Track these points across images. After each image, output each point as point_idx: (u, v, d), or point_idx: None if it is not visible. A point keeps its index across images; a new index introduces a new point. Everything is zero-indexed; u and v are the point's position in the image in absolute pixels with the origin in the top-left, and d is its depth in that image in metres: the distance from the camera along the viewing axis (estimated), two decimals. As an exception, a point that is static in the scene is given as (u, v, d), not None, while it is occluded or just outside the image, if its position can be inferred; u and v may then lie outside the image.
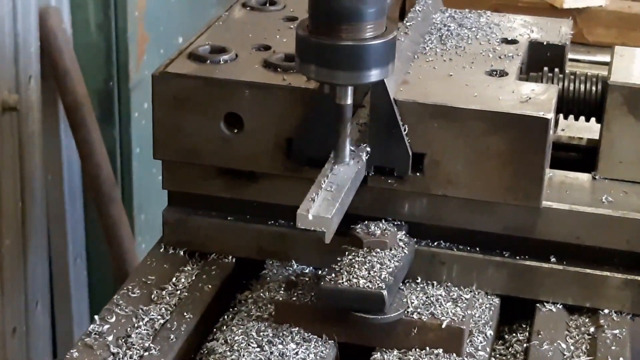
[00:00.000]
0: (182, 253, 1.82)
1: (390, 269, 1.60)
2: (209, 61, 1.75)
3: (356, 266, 1.60)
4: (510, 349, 1.71)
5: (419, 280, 1.73)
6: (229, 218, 1.80)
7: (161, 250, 1.83)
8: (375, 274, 1.58)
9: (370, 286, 1.56)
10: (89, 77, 3.00)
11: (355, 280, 1.57)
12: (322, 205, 1.50)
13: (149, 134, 3.26)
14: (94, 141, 2.98)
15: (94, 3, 3.02)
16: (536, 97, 1.66)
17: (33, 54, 2.83)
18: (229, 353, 1.55)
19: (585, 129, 1.95)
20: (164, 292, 1.71)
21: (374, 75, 1.53)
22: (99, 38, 3.05)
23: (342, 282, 1.57)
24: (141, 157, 3.24)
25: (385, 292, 1.55)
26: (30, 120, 2.87)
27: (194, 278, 1.76)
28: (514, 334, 1.74)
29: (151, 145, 3.24)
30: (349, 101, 1.56)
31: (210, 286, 1.73)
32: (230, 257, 1.81)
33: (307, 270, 1.75)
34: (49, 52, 2.88)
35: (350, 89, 1.56)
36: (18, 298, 2.93)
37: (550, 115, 1.61)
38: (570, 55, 2.02)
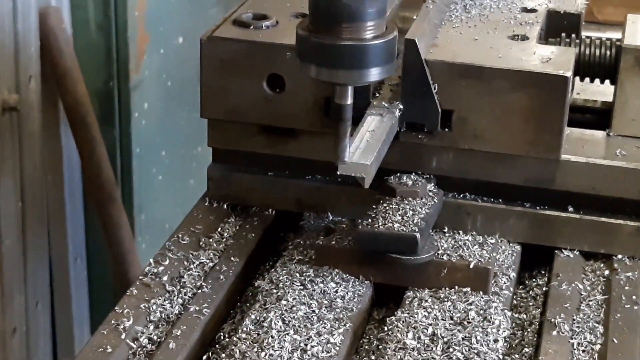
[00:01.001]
0: (225, 206, 1.95)
1: (422, 215, 1.73)
2: (252, 27, 1.88)
3: (390, 212, 1.73)
4: (530, 292, 1.84)
5: (445, 230, 1.86)
6: (269, 173, 1.93)
7: (206, 203, 1.96)
8: (408, 218, 1.72)
9: (404, 229, 1.70)
10: (89, 77, 2.99)
11: (390, 224, 1.71)
12: (362, 153, 1.64)
13: (149, 134, 3.21)
14: (94, 141, 2.99)
15: (94, 3, 3.02)
16: (556, 58, 1.79)
17: (33, 54, 2.82)
18: (274, 290, 1.69)
19: (599, 93, 2.09)
20: (211, 240, 1.85)
21: (374, 74, 1.55)
22: (99, 38, 3.06)
23: (378, 226, 1.70)
24: (141, 157, 3.24)
25: (418, 235, 1.69)
26: (30, 120, 2.86)
27: (237, 228, 1.89)
28: (534, 280, 1.88)
29: (151, 145, 3.19)
30: (349, 101, 1.59)
31: (253, 234, 1.87)
32: (270, 210, 1.94)
33: (343, 220, 1.89)
34: (49, 52, 2.88)
35: (350, 89, 1.59)
36: (18, 298, 2.94)
37: (569, 74, 1.75)
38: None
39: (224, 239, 1.86)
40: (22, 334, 3.02)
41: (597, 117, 2.05)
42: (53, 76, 2.93)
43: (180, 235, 1.85)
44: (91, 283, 3.32)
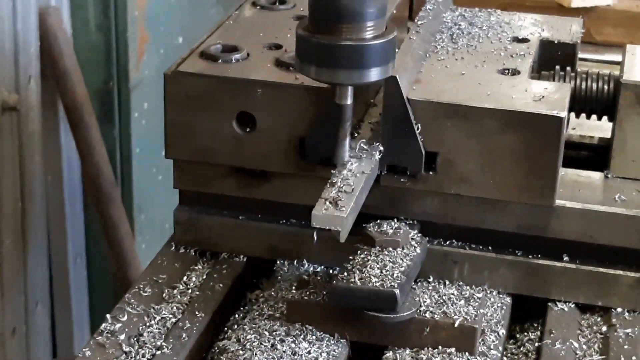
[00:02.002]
0: (193, 252, 1.82)
1: (403, 268, 1.59)
2: (220, 60, 1.75)
3: (368, 265, 1.59)
4: (522, 348, 1.71)
5: (431, 279, 1.73)
6: (240, 217, 1.80)
7: (172, 249, 1.83)
8: (388, 272, 1.58)
9: (383, 285, 1.56)
10: (89, 77, 2.99)
11: (367, 279, 1.57)
12: (337, 205, 1.50)
13: (149, 134, 3.24)
14: (94, 141, 2.97)
15: (94, 3, 3.02)
16: (549, 96, 1.65)
17: (33, 54, 2.83)
18: (241, 352, 1.55)
19: (595, 128, 1.95)
20: (175, 290, 1.71)
21: (374, 74, 1.52)
22: (99, 38, 3.05)
23: (354, 281, 1.57)
24: (141, 157, 3.23)
25: (397, 291, 1.55)
26: (30, 120, 2.86)
27: (205, 277, 1.76)
28: (526, 333, 1.74)
29: (151, 145, 3.23)
30: (349, 101, 1.56)
31: (221, 285, 1.73)
32: (241, 257, 1.81)
33: (318, 270, 1.75)
34: (49, 52, 2.88)
35: (350, 89, 1.56)
36: (18, 298, 2.93)
37: (564, 114, 1.61)
38: (579, 55, 2.01)
39: (190, 290, 1.72)
40: (22, 334, 2.99)
41: (595, 154, 1.91)
42: (53, 76, 2.93)
43: (141, 286, 1.72)
44: (91, 283, 3.29)
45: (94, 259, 3.26)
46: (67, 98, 2.93)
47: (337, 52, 1.50)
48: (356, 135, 1.68)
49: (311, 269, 1.76)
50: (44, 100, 2.91)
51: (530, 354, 1.69)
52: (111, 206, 3.03)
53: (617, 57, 1.85)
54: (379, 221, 1.69)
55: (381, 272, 1.58)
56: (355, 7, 1.48)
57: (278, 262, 1.80)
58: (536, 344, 1.69)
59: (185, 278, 1.75)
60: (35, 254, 2.99)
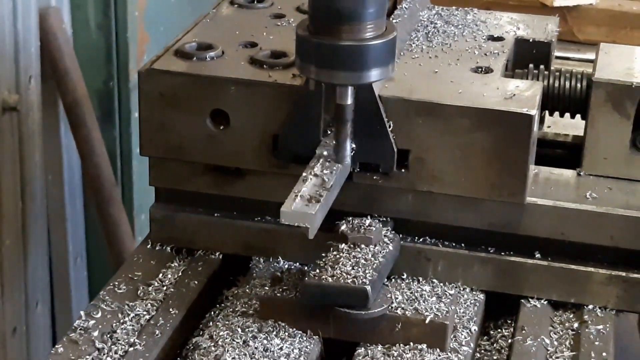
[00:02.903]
0: (169, 249, 1.83)
1: (375, 265, 1.60)
2: (195, 58, 1.75)
3: (340, 262, 1.60)
4: (495, 345, 1.72)
5: (404, 277, 1.73)
6: (215, 214, 1.81)
7: (148, 246, 1.83)
8: (359, 269, 1.59)
9: (354, 282, 1.57)
10: (89, 77, 2.98)
11: (339, 276, 1.57)
12: (306, 201, 1.51)
13: None
14: (94, 141, 2.96)
15: (94, 3, 3.01)
16: (520, 94, 1.66)
17: (33, 54, 2.82)
18: (213, 348, 1.56)
19: (570, 126, 1.96)
20: (150, 287, 1.72)
21: (374, 75, 1.53)
22: (99, 38, 3.04)
23: (326, 278, 1.57)
24: (141, 157, 3.16)
25: (368, 288, 1.56)
26: (30, 120, 2.85)
27: (180, 274, 1.76)
28: (499, 330, 1.75)
29: None
30: (349, 101, 1.57)
31: (196, 282, 1.74)
32: (217, 254, 1.81)
33: (293, 267, 1.76)
34: (49, 52, 2.87)
35: (350, 89, 1.56)
36: (18, 298, 2.92)
37: (534, 112, 1.62)
38: (560, 53, 2.03)
39: (165, 287, 1.73)
40: (22, 334, 2.97)
41: (569, 152, 1.92)
42: (53, 76, 2.91)
43: (116, 284, 1.72)
44: (91, 283, 3.27)
45: (94, 259, 3.25)
46: (67, 98, 2.92)
47: (337, 53, 1.51)
48: (329, 132, 1.69)
49: (286, 266, 1.77)
50: (44, 100, 2.90)
51: (503, 350, 1.70)
52: (111, 206, 3.02)
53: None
54: (351, 218, 1.69)
55: (353, 268, 1.59)
56: (355, 7, 1.49)
57: (254, 259, 1.81)
58: (509, 341, 1.70)
59: (160, 275, 1.75)
60: (35, 254, 2.98)
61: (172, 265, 1.79)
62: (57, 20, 2.88)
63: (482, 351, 1.71)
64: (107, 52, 3.05)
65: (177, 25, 3.27)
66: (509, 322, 1.76)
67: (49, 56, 2.87)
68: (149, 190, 3.25)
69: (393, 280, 1.72)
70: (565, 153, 1.93)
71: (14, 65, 2.75)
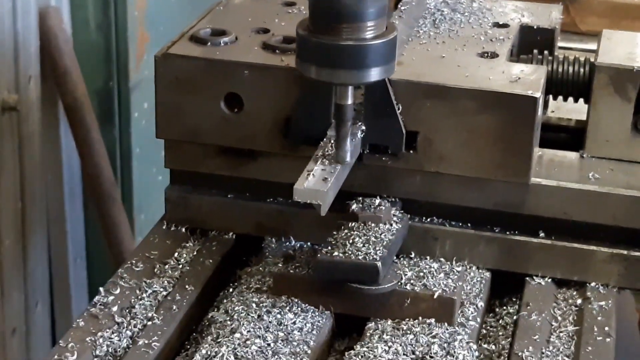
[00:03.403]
0: (183, 230, 1.87)
1: (385, 242, 1.65)
2: (209, 43, 1.80)
3: (351, 239, 1.65)
4: (500, 321, 1.77)
5: (412, 255, 1.79)
6: (229, 196, 1.86)
7: (163, 227, 1.88)
8: (370, 246, 1.64)
9: (365, 258, 1.62)
10: (89, 77, 2.99)
11: (350, 253, 1.63)
12: (318, 179, 1.56)
13: (149, 133, 3.20)
14: (94, 141, 2.97)
15: (94, 3, 3.01)
16: (525, 77, 1.72)
17: (33, 54, 2.82)
18: (229, 322, 1.61)
19: (574, 111, 2.01)
20: (167, 266, 1.77)
21: (374, 74, 1.55)
22: (99, 38, 3.05)
23: (338, 254, 1.63)
24: (141, 157, 3.23)
25: (379, 264, 1.61)
26: (30, 120, 2.86)
27: (195, 253, 1.81)
28: (504, 307, 1.80)
29: (151, 145, 3.19)
30: (350, 101, 1.59)
31: (211, 261, 1.79)
32: (230, 234, 1.87)
33: (305, 246, 1.81)
34: (49, 52, 2.87)
35: (350, 89, 1.58)
36: (18, 298, 2.93)
37: (539, 94, 1.67)
38: (563, 44, 2.08)
39: (180, 265, 1.78)
40: (22, 334, 2.99)
41: (572, 136, 1.97)
42: (53, 76, 2.92)
43: (134, 262, 1.77)
44: (91, 283, 3.28)
45: (94, 259, 3.26)
46: (67, 98, 2.92)
47: (337, 52, 1.52)
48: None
49: (297, 245, 1.82)
50: (44, 100, 2.91)
51: (508, 327, 1.75)
52: (111, 206, 3.03)
53: (599, 44, 1.92)
54: (361, 198, 1.75)
55: (364, 246, 1.64)
56: (356, 7, 1.50)
57: (266, 239, 1.86)
58: (514, 317, 1.75)
59: (176, 254, 1.80)
60: (35, 254, 2.99)
61: (187, 245, 1.84)
62: (57, 20, 2.88)
63: (488, 327, 1.76)
64: (107, 52, 3.06)
65: (177, 25, 3.22)
66: (514, 300, 1.81)
67: (49, 56, 2.88)
68: (149, 190, 3.31)
69: (402, 259, 1.77)
70: (568, 137, 1.98)
71: (13, 65, 2.76)
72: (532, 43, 1.97)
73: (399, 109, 1.70)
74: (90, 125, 2.96)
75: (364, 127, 1.70)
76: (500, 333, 1.74)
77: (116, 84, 3.10)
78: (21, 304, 2.96)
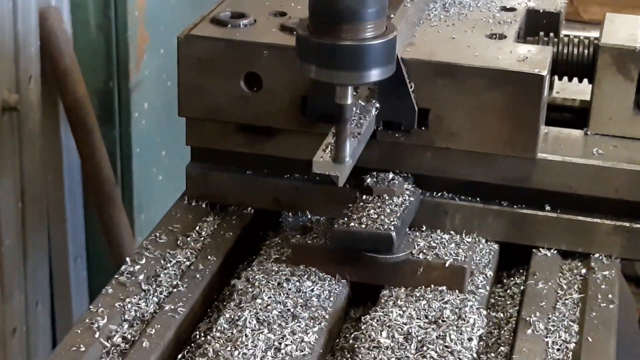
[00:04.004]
0: (204, 205, 1.95)
1: (398, 214, 1.73)
2: (229, 25, 1.88)
3: (366, 211, 1.73)
4: (508, 291, 1.84)
5: (424, 229, 1.86)
6: (247, 172, 1.93)
7: (184, 202, 1.96)
8: (385, 217, 1.72)
9: (380, 228, 1.70)
10: (89, 77, 2.98)
11: (366, 223, 1.71)
12: (336, 152, 1.64)
13: (149, 134, 3.18)
14: (94, 141, 2.97)
15: (94, 3, 3.01)
16: (532, 57, 1.79)
17: (33, 54, 2.81)
18: (250, 289, 1.69)
19: (578, 92, 2.09)
20: (189, 238, 1.85)
21: (374, 75, 1.55)
22: (99, 38, 3.04)
23: (354, 225, 1.70)
24: (141, 157, 3.24)
25: (393, 233, 1.69)
26: (30, 120, 2.84)
27: (215, 227, 1.89)
28: (512, 278, 1.88)
29: (151, 145, 3.18)
30: (349, 101, 1.60)
31: (231, 233, 1.87)
32: (249, 209, 1.94)
33: (321, 220, 1.89)
34: (49, 52, 2.86)
35: (350, 89, 1.59)
36: (18, 298, 2.92)
37: (545, 72, 1.75)
38: (565, 32, 2.15)
39: (202, 238, 1.86)
40: (22, 334, 3.00)
41: (576, 116, 2.05)
42: (53, 76, 2.92)
43: (157, 234, 1.85)
44: (91, 283, 3.30)
45: (94, 259, 3.27)
46: (67, 98, 2.92)
47: (337, 53, 1.53)
48: (355, 93, 1.81)
49: (314, 219, 1.90)
50: (44, 100, 2.89)
51: (516, 296, 1.82)
52: (111, 206, 3.03)
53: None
54: (375, 173, 1.83)
55: (378, 217, 1.72)
56: (355, 7, 1.51)
57: (283, 214, 1.94)
58: (521, 287, 1.83)
59: (197, 228, 1.88)
60: (35, 254, 2.98)
61: (208, 219, 1.91)
62: (57, 20, 2.88)
63: (496, 297, 1.84)
64: (107, 52, 3.05)
65: (177, 25, 3.14)
66: (521, 271, 1.88)
67: (49, 56, 2.87)
68: (149, 190, 3.29)
69: (414, 231, 1.85)
70: (573, 117, 2.06)
71: (13, 65, 2.75)
72: (538, 26, 2.05)
73: (411, 87, 1.78)
74: (91, 125, 2.97)
75: (378, 105, 1.78)
76: (508, 302, 1.81)
77: (116, 84, 3.10)
78: (21, 303, 2.96)
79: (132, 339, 1.59)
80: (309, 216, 1.91)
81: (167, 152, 3.37)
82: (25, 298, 2.99)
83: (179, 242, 1.84)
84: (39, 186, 2.96)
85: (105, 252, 3.14)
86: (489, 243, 1.87)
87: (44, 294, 3.11)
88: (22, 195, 2.89)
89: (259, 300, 1.64)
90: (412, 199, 1.79)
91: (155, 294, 1.69)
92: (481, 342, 1.67)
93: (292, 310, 1.64)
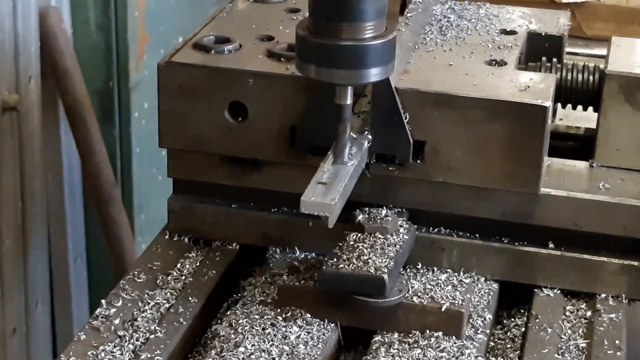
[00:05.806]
0: (186, 240, 1.85)
1: (391, 254, 1.63)
2: (213, 51, 1.78)
3: (357, 251, 1.63)
4: (508, 333, 1.74)
5: (419, 266, 1.76)
6: (233, 205, 1.83)
7: (166, 237, 1.86)
8: (376, 258, 1.61)
9: (371, 270, 1.59)
10: (89, 77, 2.97)
11: (356, 265, 1.60)
12: (326, 191, 1.53)
13: (149, 134, 3.21)
14: (94, 141, 2.96)
15: (94, 3, 3.00)
16: (534, 86, 1.69)
17: (33, 54, 2.81)
18: (233, 336, 1.58)
19: (582, 119, 1.99)
20: (169, 277, 1.75)
21: (374, 74, 1.54)
22: (99, 38, 3.04)
23: (344, 266, 1.60)
24: (141, 157, 3.22)
25: (385, 276, 1.58)
26: (30, 120, 2.84)
27: (198, 264, 1.79)
28: (512, 319, 1.78)
29: (151, 145, 3.18)
30: (349, 101, 1.58)
31: (214, 272, 1.77)
32: (234, 244, 1.84)
33: (309, 256, 1.78)
34: (49, 52, 2.86)
35: (350, 89, 1.57)
36: (18, 298, 2.91)
37: (549, 103, 1.65)
38: (568, 49, 2.05)
39: (183, 277, 1.75)
40: (22, 334, 2.97)
41: (581, 144, 1.95)
42: (53, 76, 2.91)
43: (136, 273, 1.75)
44: (91, 283, 3.27)
45: (94, 259, 3.24)
46: (67, 98, 2.90)
47: (337, 52, 1.51)
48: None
49: (302, 256, 1.79)
50: (44, 100, 2.89)
51: (517, 339, 1.72)
52: (111, 206, 3.01)
53: (606, 51, 1.88)
54: (367, 209, 1.72)
55: (370, 257, 1.61)
56: (355, 7, 1.50)
57: (270, 249, 1.84)
58: (522, 329, 1.72)
59: (179, 265, 1.78)
60: (35, 254, 2.97)
61: (190, 255, 1.81)
62: (57, 20, 2.87)
63: (496, 340, 1.73)
64: (107, 52, 3.05)
65: (177, 25, 3.27)
66: (522, 311, 1.78)
67: (49, 56, 2.87)
68: (149, 190, 3.31)
69: (408, 270, 1.74)
70: (577, 145, 1.96)
71: (13, 65, 2.75)
72: (540, 50, 1.95)
73: (406, 118, 1.68)
74: (91, 125, 2.95)
75: (370, 137, 1.68)
76: (509, 346, 1.71)
77: (116, 84, 3.08)
78: (21, 304, 2.94)
79: (105, 392, 1.49)
80: (298, 252, 1.80)
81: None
82: (25, 298, 2.97)
83: (158, 281, 1.73)
84: (39, 186, 2.95)
85: (105, 252, 3.11)
86: (488, 282, 1.77)
87: (44, 294, 3.08)
88: (22, 195, 2.87)
89: (241, 349, 1.54)
90: (406, 236, 1.69)
91: (132, 340, 1.59)
92: (479, 393, 1.56)
93: (277, 359, 1.53)
